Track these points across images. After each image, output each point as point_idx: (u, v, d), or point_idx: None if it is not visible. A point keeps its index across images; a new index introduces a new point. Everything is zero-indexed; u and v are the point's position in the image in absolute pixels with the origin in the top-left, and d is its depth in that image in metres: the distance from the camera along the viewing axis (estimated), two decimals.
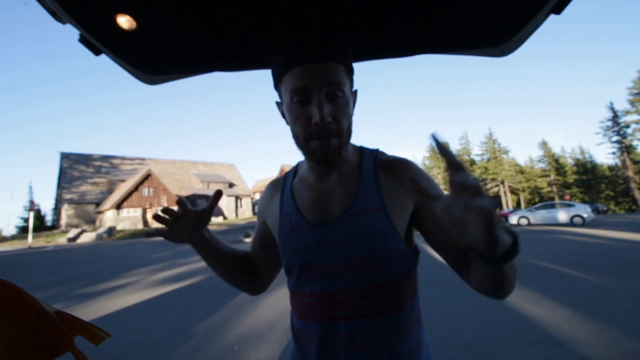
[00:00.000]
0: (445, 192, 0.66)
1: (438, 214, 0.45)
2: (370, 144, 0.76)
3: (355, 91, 0.71)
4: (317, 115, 0.60)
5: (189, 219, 0.72)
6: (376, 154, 0.73)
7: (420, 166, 0.72)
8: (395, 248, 0.63)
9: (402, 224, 0.65)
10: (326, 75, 0.61)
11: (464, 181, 0.42)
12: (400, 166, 0.69)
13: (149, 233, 0.71)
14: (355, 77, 0.69)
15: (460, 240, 0.62)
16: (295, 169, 0.79)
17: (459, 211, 0.43)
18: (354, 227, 0.64)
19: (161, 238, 0.73)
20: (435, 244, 0.66)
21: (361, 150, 0.75)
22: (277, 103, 0.71)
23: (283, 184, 0.78)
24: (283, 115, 0.69)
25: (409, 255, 0.66)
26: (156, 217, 0.72)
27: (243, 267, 0.82)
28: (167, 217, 0.71)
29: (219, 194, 0.70)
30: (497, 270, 0.50)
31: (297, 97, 0.62)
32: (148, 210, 35.14)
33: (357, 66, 0.77)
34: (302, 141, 0.65)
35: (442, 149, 0.44)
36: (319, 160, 0.65)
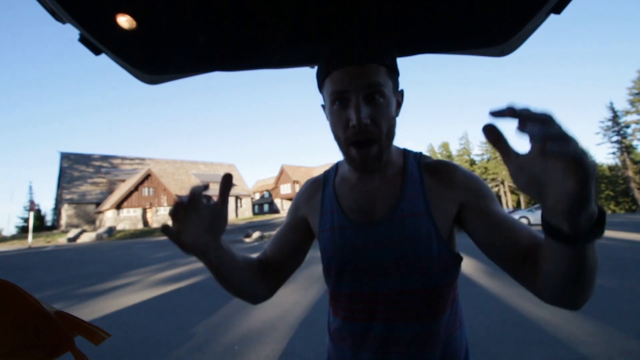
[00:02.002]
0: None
1: (512, 178, 0.39)
2: None
3: (402, 91, 0.70)
4: (355, 117, 0.59)
5: (201, 216, 0.54)
6: (420, 157, 0.73)
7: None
8: (437, 254, 0.62)
9: (446, 229, 0.64)
10: (365, 78, 0.60)
11: (543, 131, 0.33)
12: (446, 169, 0.68)
13: (163, 229, 0.52)
14: None
15: (517, 240, 0.56)
16: (336, 167, 0.80)
17: (536, 168, 0.35)
18: (398, 230, 0.63)
19: (164, 237, 0.60)
20: (487, 248, 0.61)
21: (405, 152, 0.74)
22: (322, 106, 0.71)
23: (324, 183, 0.78)
24: (327, 118, 0.69)
25: (451, 262, 0.64)
26: (170, 214, 0.53)
27: (255, 276, 0.71)
28: (178, 212, 0.52)
29: (228, 177, 0.54)
30: (580, 254, 0.40)
31: (337, 101, 0.62)
32: (148, 210, 35.14)
33: None
34: (342, 145, 0.65)
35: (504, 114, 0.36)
36: (357, 168, 0.66)
